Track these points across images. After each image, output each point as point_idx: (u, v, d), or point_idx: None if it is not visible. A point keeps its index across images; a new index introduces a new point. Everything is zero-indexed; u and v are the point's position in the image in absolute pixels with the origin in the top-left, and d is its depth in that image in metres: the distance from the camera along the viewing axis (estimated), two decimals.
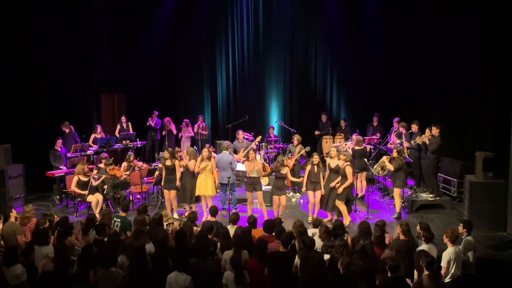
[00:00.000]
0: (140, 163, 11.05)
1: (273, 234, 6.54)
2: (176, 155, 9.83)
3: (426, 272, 5.53)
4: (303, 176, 9.49)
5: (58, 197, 10.99)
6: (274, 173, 9.28)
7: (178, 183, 9.60)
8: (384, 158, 9.83)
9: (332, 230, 6.61)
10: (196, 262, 5.82)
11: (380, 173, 10.15)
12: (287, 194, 9.94)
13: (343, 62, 14.35)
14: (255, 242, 6.24)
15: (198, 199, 9.70)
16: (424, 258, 5.63)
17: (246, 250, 6.13)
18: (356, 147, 10.59)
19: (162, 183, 9.66)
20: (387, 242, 6.57)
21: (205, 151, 9.46)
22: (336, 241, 6.26)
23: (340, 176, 8.96)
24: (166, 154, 9.57)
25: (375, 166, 10.27)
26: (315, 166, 9.15)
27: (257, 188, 9.29)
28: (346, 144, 11.23)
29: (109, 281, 5.62)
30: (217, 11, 15.33)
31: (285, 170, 9.19)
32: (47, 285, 5.93)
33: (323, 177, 9.26)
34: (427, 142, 9.90)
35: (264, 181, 11.21)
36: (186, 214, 9.14)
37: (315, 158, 9.22)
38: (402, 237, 6.44)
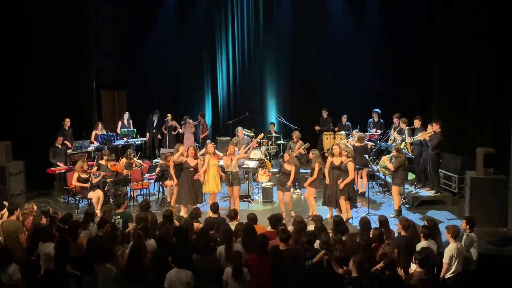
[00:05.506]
0: (140, 162, 11.03)
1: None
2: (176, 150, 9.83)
3: (418, 269, 5.51)
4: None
5: (61, 195, 10.99)
6: (280, 170, 9.28)
7: (175, 180, 9.55)
8: (384, 159, 9.81)
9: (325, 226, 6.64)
10: (199, 259, 5.81)
11: (386, 172, 10.16)
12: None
13: (344, 58, 14.30)
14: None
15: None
16: (417, 255, 5.61)
17: (251, 246, 6.10)
18: (357, 144, 10.58)
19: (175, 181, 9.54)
20: (391, 237, 6.59)
21: (210, 147, 9.53)
22: (331, 236, 6.27)
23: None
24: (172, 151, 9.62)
25: (379, 168, 10.24)
26: (311, 163, 9.21)
27: (234, 183, 9.33)
28: (347, 141, 11.22)
29: (103, 276, 5.67)
30: (218, 7, 15.28)
31: (290, 167, 9.22)
32: (48, 281, 5.97)
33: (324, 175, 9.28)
34: (427, 139, 9.89)
35: (265, 177, 11.23)
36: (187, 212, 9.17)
37: (310, 154, 9.35)
38: (402, 233, 6.44)
